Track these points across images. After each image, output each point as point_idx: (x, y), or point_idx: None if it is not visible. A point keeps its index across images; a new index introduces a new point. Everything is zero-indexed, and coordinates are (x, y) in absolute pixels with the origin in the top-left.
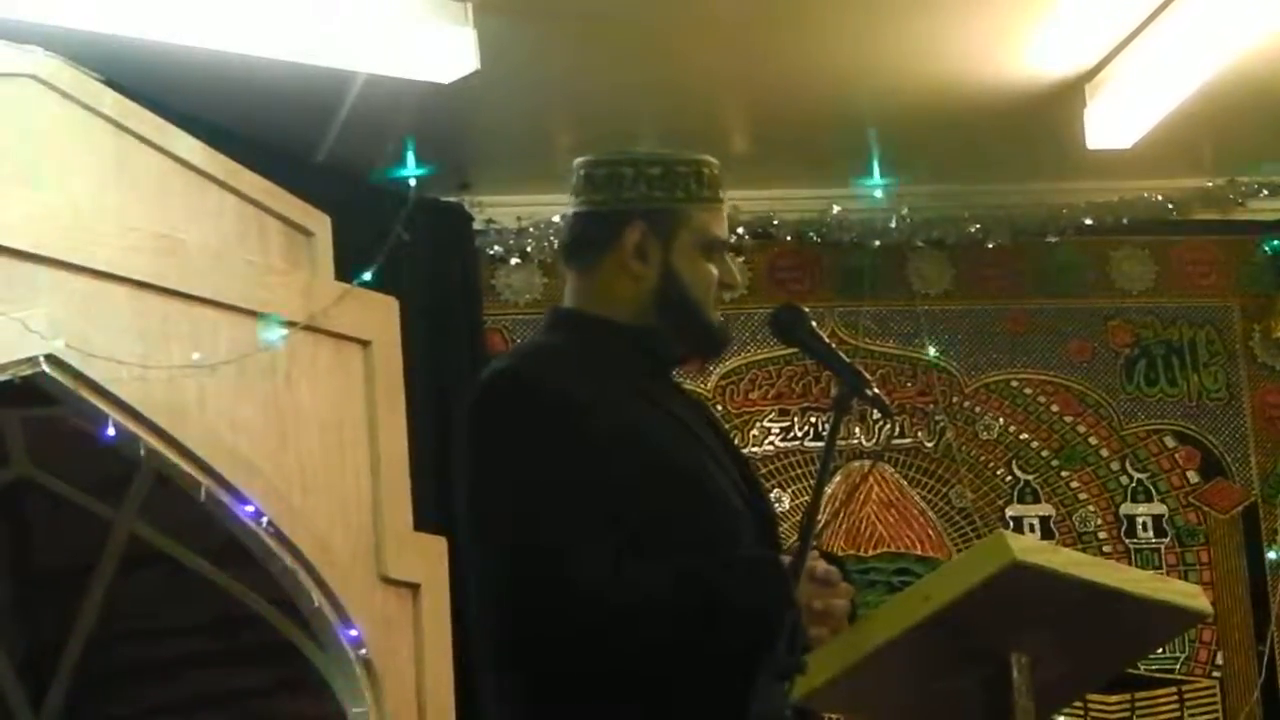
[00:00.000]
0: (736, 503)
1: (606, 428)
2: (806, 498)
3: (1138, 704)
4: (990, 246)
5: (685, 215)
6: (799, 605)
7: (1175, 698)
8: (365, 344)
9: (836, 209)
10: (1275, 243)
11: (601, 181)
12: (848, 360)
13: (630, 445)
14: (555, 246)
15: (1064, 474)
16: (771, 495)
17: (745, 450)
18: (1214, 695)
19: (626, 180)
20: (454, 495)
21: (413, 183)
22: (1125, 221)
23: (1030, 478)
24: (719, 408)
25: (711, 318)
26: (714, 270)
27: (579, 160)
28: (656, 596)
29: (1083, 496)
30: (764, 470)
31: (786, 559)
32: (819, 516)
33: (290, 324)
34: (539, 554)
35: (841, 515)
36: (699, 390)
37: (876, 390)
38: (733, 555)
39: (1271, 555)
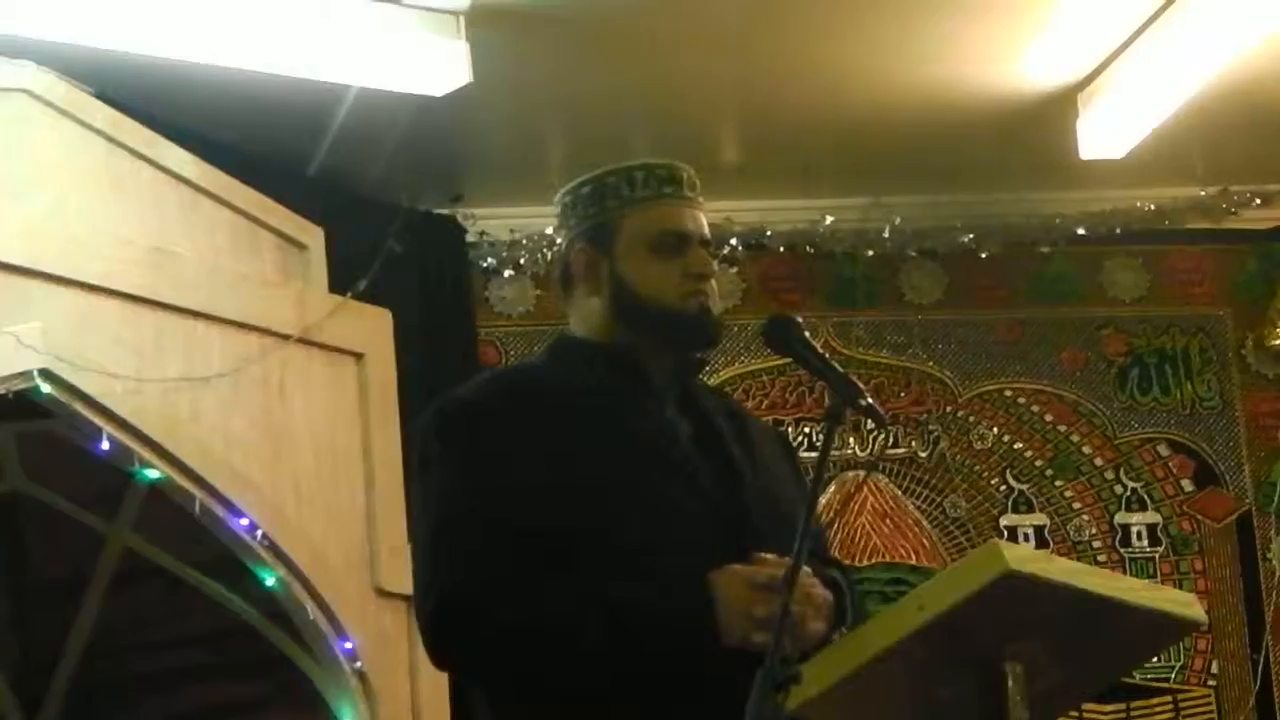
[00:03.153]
0: (692, 510)
1: (531, 445)
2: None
3: (1133, 713)
4: (983, 256)
5: (618, 221)
6: (791, 616)
7: (1170, 706)
8: (359, 356)
9: (829, 219)
10: (1267, 252)
11: (559, 222)
12: (841, 370)
13: (555, 461)
14: (550, 261)
15: (1058, 483)
16: None
17: None
18: (1209, 704)
19: (567, 210)
20: None
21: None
22: (1118, 231)
23: (1024, 487)
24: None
25: (674, 306)
26: (672, 264)
27: None
28: (550, 607)
29: (1077, 506)
30: None
31: (740, 567)
32: (812, 527)
33: (284, 336)
34: (438, 565)
35: (836, 525)
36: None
37: (870, 400)
38: (649, 566)
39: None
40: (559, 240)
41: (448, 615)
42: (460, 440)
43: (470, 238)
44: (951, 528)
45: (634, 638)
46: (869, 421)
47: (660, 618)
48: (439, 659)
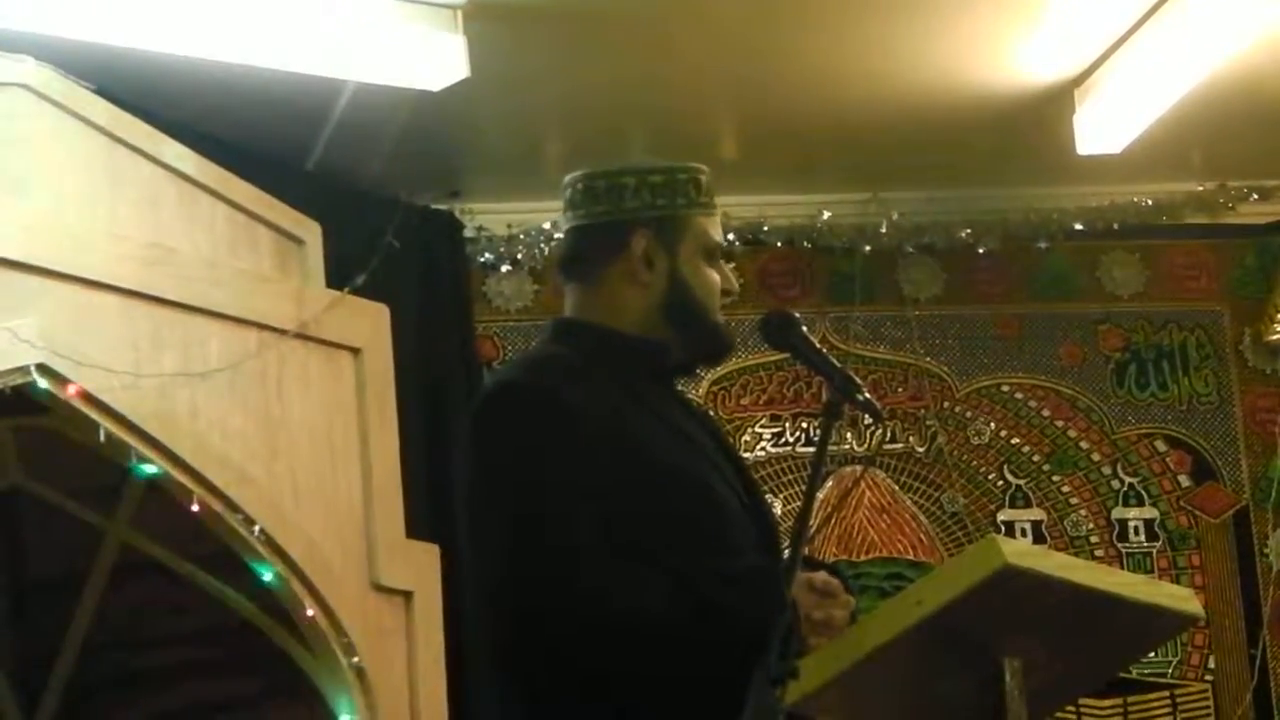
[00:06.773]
0: (737, 508)
1: (606, 434)
2: (798, 503)
3: (1130, 708)
4: (981, 252)
5: (688, 222)
6: (791, 609)
7: (1168, 702)
8: (356, 351)
9: (827, 214)
10: (1265, 247)
11: (603, 193)
12: (839, 365)
13: (630, 452)
14: (548, 256)
15: (1055, 478)
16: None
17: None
18: (1206, 699)
19: (629, 190)
20: (455, 504)
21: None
22: (1115, 226)
23: (1022, 482)
24: (711, 413)
25: (716, 317)
26: (714, 276)
27: (575, 175)
28: (653, 600)
29: (1074, 501)
30: (756, 476)
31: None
32: (810, 522)
33: (281, 332)
34: (538, 557)
35: (833, 520)
36: (690, 396)
37: (868, 395)
38: (731, 563)
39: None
40: (594, 212)
41: (551, 608)
42: (539, 424)
43: (468, 233)
44: (949, 523)
45: (730, 637)
46: (866, 416)
47: (753, 619)
48: (528, 649)
